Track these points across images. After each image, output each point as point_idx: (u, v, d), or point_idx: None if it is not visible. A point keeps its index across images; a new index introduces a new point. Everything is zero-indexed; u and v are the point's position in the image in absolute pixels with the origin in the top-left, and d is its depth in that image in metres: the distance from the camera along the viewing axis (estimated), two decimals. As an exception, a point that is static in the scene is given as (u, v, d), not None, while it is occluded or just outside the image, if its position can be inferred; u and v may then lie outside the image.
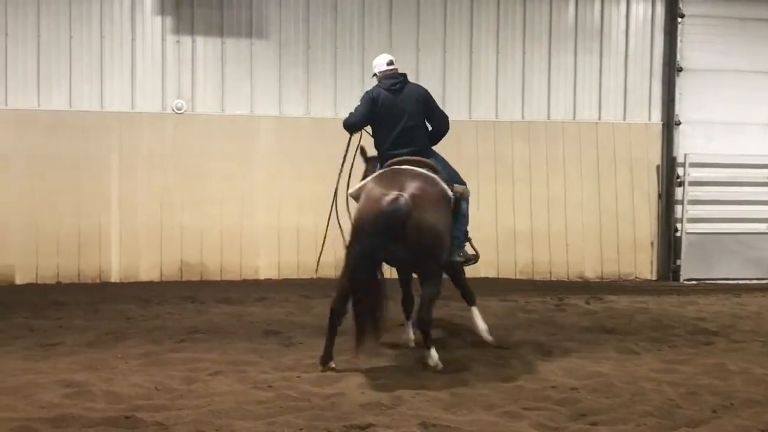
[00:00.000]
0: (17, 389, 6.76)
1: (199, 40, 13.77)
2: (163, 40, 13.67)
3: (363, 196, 7.76)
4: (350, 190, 8.37)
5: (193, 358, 8.08)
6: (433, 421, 6.02)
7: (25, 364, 7.68)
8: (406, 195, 7.40)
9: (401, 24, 14.35)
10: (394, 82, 8.51)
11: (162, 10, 13.60)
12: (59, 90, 13.41)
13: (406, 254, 7.50)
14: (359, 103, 8.59)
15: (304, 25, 14.07)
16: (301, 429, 5.76)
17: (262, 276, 13.86)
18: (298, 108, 14.08)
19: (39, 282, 13.01)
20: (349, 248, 7.49)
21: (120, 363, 7.80)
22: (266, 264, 13.86)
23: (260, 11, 13.89)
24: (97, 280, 13.15)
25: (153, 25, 13.64)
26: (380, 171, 8.13)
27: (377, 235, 7.29)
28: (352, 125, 8.65)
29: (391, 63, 8.69)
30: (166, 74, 13.71)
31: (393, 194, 7.39)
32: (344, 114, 14.00)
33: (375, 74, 8.78)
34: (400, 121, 8.36)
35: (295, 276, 13.75)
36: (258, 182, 13.95)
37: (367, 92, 8.62)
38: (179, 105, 13.73)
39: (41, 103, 13.34)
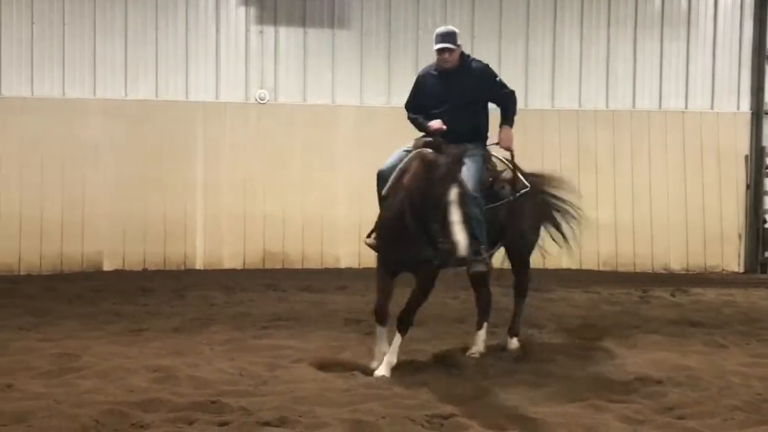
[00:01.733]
0: (106, 373, 6.90)
1: (282, 30, 13.86)
2: (247, 30, 13.81)
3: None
4: None
5: (276, 345, 8.15)
6: (516, 411, 5.98)
7: (114, 349, 7.83)
8: None
9: (484, 11, 14.21)
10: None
11: (246, 1, 13.72)
12: (146, 80, 13.65)
13: None
14: None
15: (385, 14, 14.05)
16: (383, 417, 5.75)
17: (343, 265, 13.91)
18: (379, 97, 14.07)
19: (126, 268, 13.27)
20: None
21: (205, 349, 7.90)
22: (347, 252, 13.88)
23: (342, 1, 13.91)
24: (182, 267, 13.37)
25: (237, 15, 13.78)
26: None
27: None
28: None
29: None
30: (249, 64, 13.84)
31: None
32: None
33: None
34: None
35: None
36: (339, 171, 13.99)
37: None
38: (262, 95, 13.85)
39: (128, 93, 13.58)
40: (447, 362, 7.54)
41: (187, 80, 13.74)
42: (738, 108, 14.84)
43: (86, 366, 7.12)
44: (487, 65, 7.79)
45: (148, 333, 8.70)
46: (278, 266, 13.68)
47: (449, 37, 7.46)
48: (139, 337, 8.55)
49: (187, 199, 13.58)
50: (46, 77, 13.36)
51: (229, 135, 13.77)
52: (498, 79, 7.73)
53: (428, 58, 13.94)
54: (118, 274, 12.91)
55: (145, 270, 13.18)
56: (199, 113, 13.69)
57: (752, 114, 14.83)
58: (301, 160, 13.87)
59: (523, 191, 7.78)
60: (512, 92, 7.80)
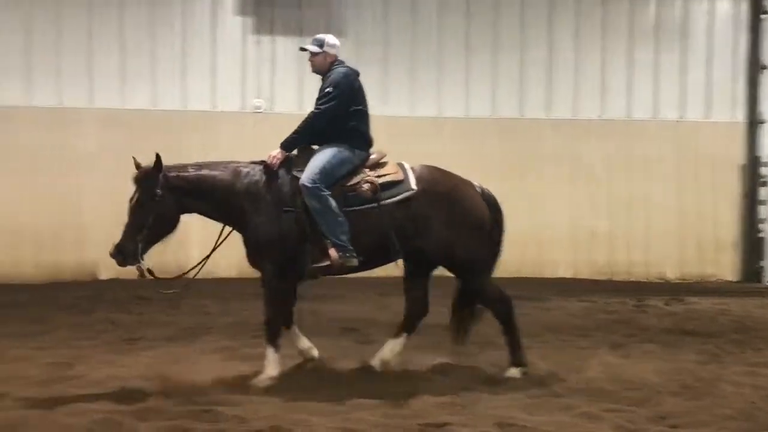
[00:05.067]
0: (100, 382, 6.90)
1: (279, 39, 13.89)
2: (244, 40, 13.83)
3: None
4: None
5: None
6: (509, 420, 5.97)
7: (108, 357, 7.84)
8: None
9: (479, 22, 14.26)
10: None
11: (243, 11, 13.75)
12: (143, 89, 13.66)
13: None
14: None
15: (381, 23, 14.09)
16: (376, 426, 5.76)
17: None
18: (375, 106, 14.02)
19: (121, 277, 13.24)
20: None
21: (200, 357, 7.90)
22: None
23: (338, 11, 13.95)
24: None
25: (233, 25, 13.81)
26: None
27: None
28: None
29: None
30: (245, 74, 13.87)
31: None
32: (423, 112, 14.26)
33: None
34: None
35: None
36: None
37: None
38: (258, 104, 13.87)
39: (125, 103, 13.60)
40: (439, 371, 7.54)
41: (184, 89, 13.76)
42: (733, 118, 14.88)
43: (80, 375, 7.14)
44: (337, 74, 7.35)
45: (142, 342, 8.72)
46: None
47: (315, 41, 7.47)
48: (134, 345, 8.56)
49: (182, 208, 13.56)
50: (42, 86, 13.36)
51: (225, 143, 13.76)
52: (327, 89, 7.30)
53: (426, 65, 14.13)
54: (114, 284, 12.89)
55: (140, 279, 13.12)
56: (196, 122, 13.69)
57: (747, 123, 14.87)
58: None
59: (401, 196, 7.18)
60: (311, 114, 7.36)
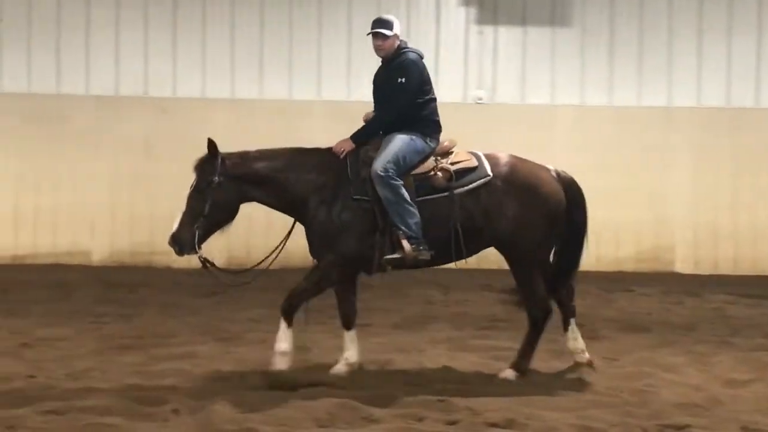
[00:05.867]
0: (331, 367, 7.13)
1: (501, 29, 13.80)
2: (466, 30, 13.84)
3: None
4: None
5: (496, 346, 8.15)
6: (754, 425, 5.71)
7: (338, 343, 8.06)
8: None
9: (713, 5, 13.62)
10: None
11: (466, 1, 13.76)
12: (364, 82, 13.86)
13: None
14: None
15: (608, 11, 13.71)
16: (614, 425, 5.64)
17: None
18: (601, 96, 13.76)
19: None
20: None
21: (427, 346, 8.00)
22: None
23: (564, -1, 13.72)
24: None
25: (457, 15, 13.83)
26: None
27: None
28: None
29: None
30: (468, 64, 13.87)
31: None
32: (649, 101, 13.78)
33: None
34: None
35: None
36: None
37: None
38: (480, 95, 13.86)
39: (351, 95, 13.89)
40: (671, 369, 7.32)
41: (406, 80, 13.90)
42: None
43: (315, 359, 7.38)
44: (408, 62, 7.16)
45: (369, 329, 8.89)
46: (493, 267, 13.60)
47: (382, 23, 7.13)
48: (362, 332, 8.71)
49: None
50: (274, 79, 13.83)
51: (445, 134, 13.78)
52: (400, 80, 7.08)
53: (655, 53, 13.61)
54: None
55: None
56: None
57: None
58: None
59: (475, 183, 7.00)
60: (381, 112, 7.24)
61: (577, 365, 7.28)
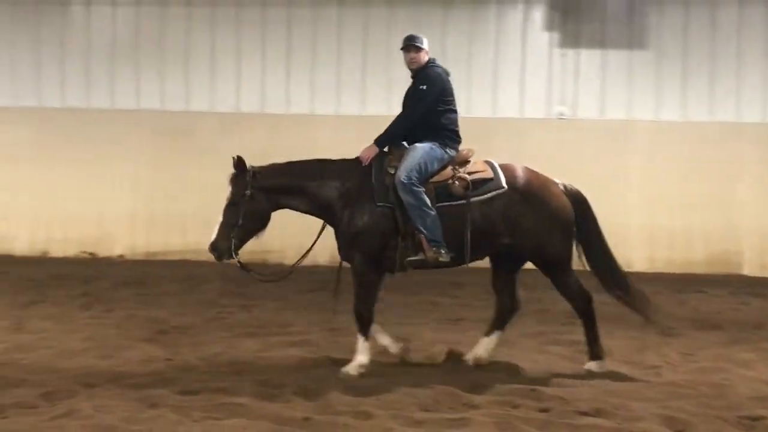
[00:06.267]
0: (434, 356, 7.23)
1: (583, 52, 13.65)
2: (550, 53, 13.73)
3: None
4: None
5: (579, 340, 8.04)
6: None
7: (439, 336, 8.11)
8: None
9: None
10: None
11: (550, 26, 13.66)
12: (458, 99, 13.84)
13: None
14: None
15: (682, 35, 13.45)
16: (695, 415, 5.54)
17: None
18: (674, 112, 13.50)
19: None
20: None
21: (518, 339, 7.97)
22: (638, 257, 13.31)
23: (640, 23, 13.48)
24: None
25: (541, 39, 13.73)
26: None
27: None
28: None
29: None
30: (551, 83, 13.75)
31: None
32: (722, 118, 13.49)
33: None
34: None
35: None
36: (633, 184, 13.51)
37: None
38: (562, 111, 13.73)
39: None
40: (748, 366, 7.14)
41: (494, 98, 13.87)
42: None
43: (417, 349, 7.41)
44: (434, 73, 7.05)
45: (463, 323, 8.93)
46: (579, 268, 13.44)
47: (414, 38, 7.08)
48: (457, 325, 8.80)
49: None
50: (374, 97, 13.91)
51: (530, 149, 13.61)
52: (421, 87, 6.97)
53: (723, 76, 13.32)
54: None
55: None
56: (505, 128, 13.69)
57: None
58: (593, 174, 13.34)
59: (489, 194, 6.88)
60: (405, 111, 7.08)
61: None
